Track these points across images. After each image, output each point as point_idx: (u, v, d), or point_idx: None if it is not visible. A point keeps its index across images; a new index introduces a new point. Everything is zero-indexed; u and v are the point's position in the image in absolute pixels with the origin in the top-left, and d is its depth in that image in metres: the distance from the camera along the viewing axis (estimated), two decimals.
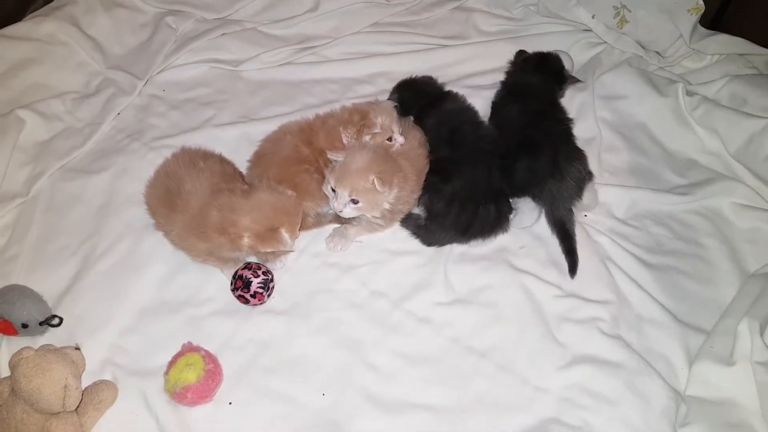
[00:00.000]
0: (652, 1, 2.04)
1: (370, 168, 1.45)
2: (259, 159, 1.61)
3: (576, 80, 1.83)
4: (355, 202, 1.46)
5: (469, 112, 1.72)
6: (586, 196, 1.60)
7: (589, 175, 1.59)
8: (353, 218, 1.57)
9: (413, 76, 1.84)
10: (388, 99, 1.79)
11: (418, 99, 1.75)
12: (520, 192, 1.62)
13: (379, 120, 1.59)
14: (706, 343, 1.38)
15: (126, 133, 1.89)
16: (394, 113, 1.63)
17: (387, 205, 1.51)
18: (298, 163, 1.56)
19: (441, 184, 1.56)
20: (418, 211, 1.63)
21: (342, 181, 1.45)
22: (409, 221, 1.63)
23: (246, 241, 1.39)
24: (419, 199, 1.60)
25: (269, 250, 1.42)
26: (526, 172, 1.57)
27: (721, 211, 1.67)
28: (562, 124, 1.66)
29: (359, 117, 1.60)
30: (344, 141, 1.58)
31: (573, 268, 1.53)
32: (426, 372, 1.39)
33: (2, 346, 1.41)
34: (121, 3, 2.15)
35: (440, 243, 1.59)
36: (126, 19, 2.14)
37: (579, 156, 1.58)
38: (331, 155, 1.51)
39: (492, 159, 1.59)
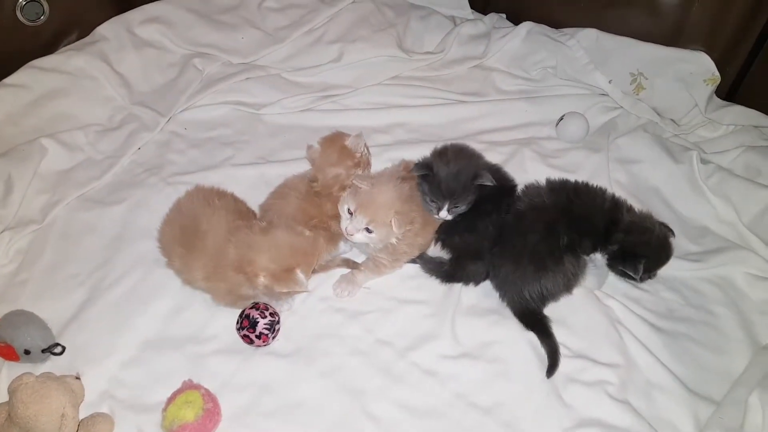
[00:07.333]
0: (668, 70, 2.08)
1: (393, 205, 1.48)
2: (264, 214, 1.62)
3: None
4: (369, 231, 1.48)
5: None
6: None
7: None
8: (361, 263, 1.62)
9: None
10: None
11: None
12: None
13: (356, 140, 1.64)
14: (715, 414, 1.34)
15: (145, 167, 1.92)
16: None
17: (394, 240, 1.53)
18: (304, 223, 1.56)
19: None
20: (434, 254, 1.63)
21: (365, 209, 1.47)
22: (433, 268, 1.62)
23: (262, 280, 1.39)
24: (440, 244, 1.61)
25: (284, 290, 1.42)
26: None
27: (733, 281, 1.65)
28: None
29: (341, 149, 1.63)
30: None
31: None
32: (428, 425, 1.36)
33: (2, 371, 1.40)
34: (151, 43, 2.21)
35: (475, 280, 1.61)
36: (154, 59, 2.20)
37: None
38: (356, 181, 1.52)
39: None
